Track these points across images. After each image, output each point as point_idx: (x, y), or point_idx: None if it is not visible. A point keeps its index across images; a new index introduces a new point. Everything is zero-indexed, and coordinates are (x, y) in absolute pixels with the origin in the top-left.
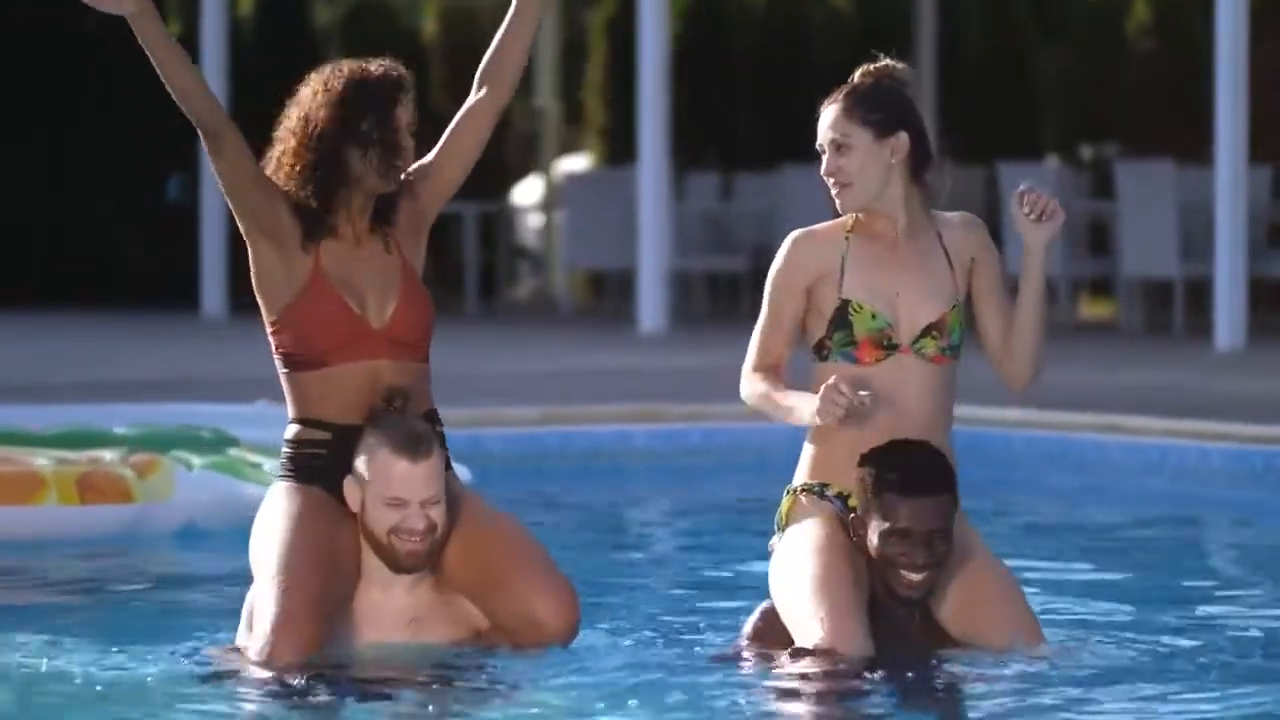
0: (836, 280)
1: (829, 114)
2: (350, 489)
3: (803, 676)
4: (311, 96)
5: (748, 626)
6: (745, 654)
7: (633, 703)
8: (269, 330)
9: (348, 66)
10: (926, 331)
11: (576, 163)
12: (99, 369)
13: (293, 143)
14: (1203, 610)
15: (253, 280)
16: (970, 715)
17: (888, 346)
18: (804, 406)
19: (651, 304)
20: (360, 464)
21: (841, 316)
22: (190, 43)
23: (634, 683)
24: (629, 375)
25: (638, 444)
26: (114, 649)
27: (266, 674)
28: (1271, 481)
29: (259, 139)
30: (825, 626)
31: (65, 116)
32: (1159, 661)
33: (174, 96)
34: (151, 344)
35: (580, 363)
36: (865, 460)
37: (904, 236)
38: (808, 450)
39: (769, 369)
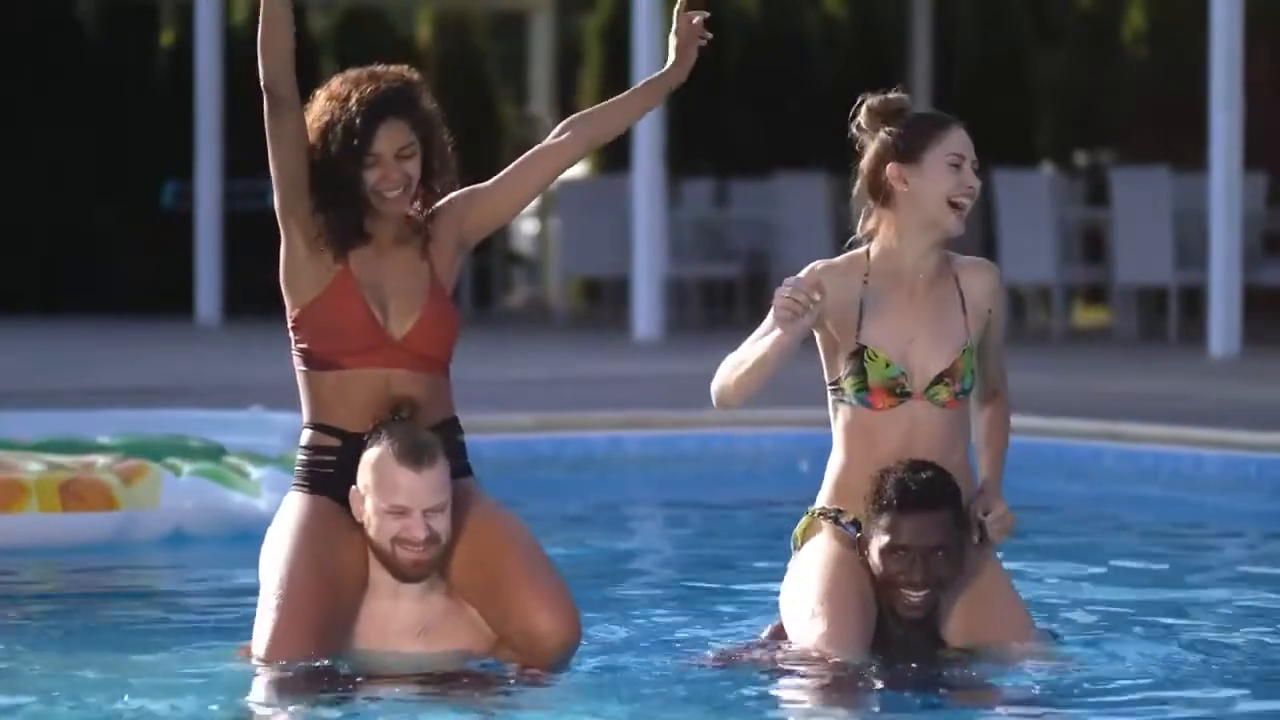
0: (854, 322)
1: (963, 135)
2: (355, 498)
3: (797, 676)
4: (322, 113)
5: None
6: (742, 657)
7: (626, 707)
8: (290, 325)
9: (343, 84)
10: (939, 379)
11: (571, 169)
12: (92, 375)
13: (315, 156)
14: (1196, 617)
15: (280, 272)
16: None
17: (900, 394)
18: (766, 339)
19: (646, 311)
20: (364, 473)
21: (856, 362)
22: (184, 51)
23: (628, 689)
24: (623, 382)
25: (631, 451)
26: (94, 660)
27: (265, 680)
28: (1266, 488)
29: (255, 147)
30: (824, 627)
31: (60, 121)
32: (1151, 669)
33: (264, 55)
34: (145, 350)
35: (575, 370)
36: (871, 480)
37: (924, 280)
38: (830, 474)
39: None
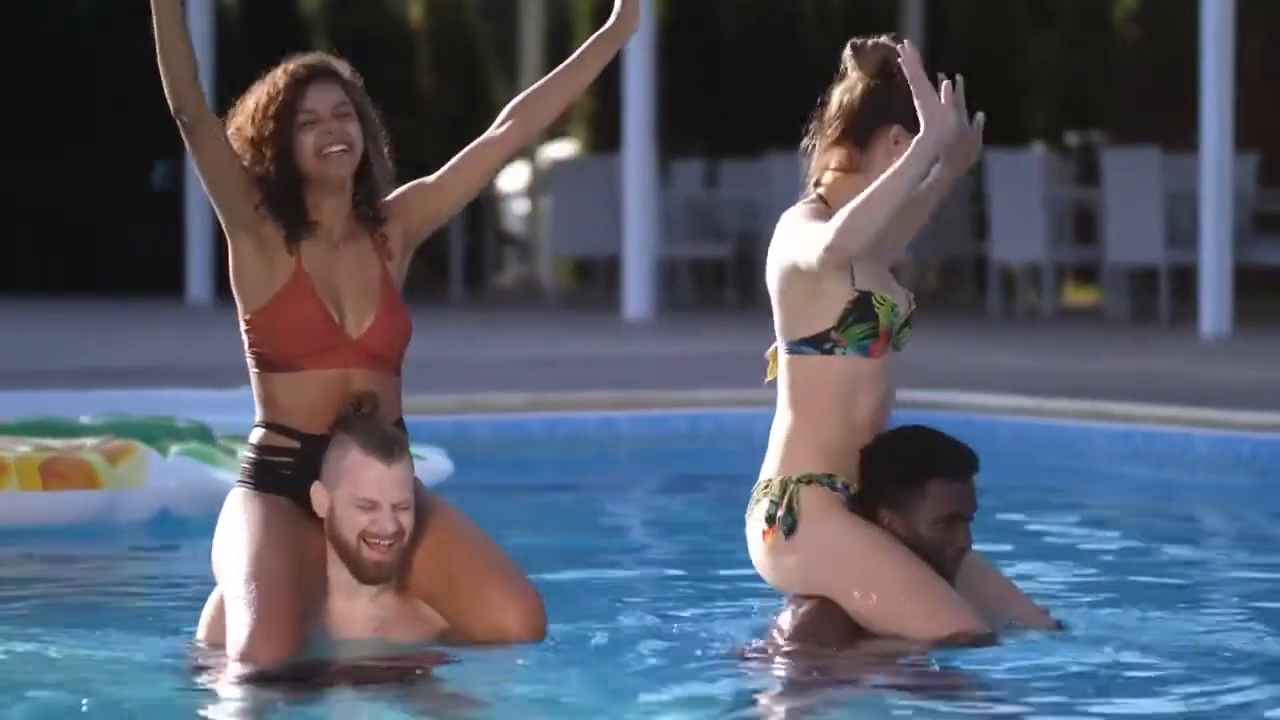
0: (846, 272)
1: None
2: (318, 493)
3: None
4: (255, 100)
5: (784, 626)
6: (770, 651)
7: (621, 692)
8: (243, 328)
9: (270, 71)
10: (907, 322)
11: (562, 149)
12: (83, 355)
13: (248, 144)
14: (1188, 597)
15: (231, 276)
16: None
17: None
18: (905, 155)
19: (637, 291)
20: (330, 467)
21: (862, 308)
22: None
23: (621, 671)
24: (615, 362)
25: (623, 430)
26: (75, 641)
27: (245, 674)
28: (1257, 468)
29: None
30: (950, 614)
31: (51, 101)
32: (1142, 648)
33: (165, 75)
34: (137, 330)
35: (566, 349)
36: (890, 452)
37: None
38: (800, 439)
39: None
